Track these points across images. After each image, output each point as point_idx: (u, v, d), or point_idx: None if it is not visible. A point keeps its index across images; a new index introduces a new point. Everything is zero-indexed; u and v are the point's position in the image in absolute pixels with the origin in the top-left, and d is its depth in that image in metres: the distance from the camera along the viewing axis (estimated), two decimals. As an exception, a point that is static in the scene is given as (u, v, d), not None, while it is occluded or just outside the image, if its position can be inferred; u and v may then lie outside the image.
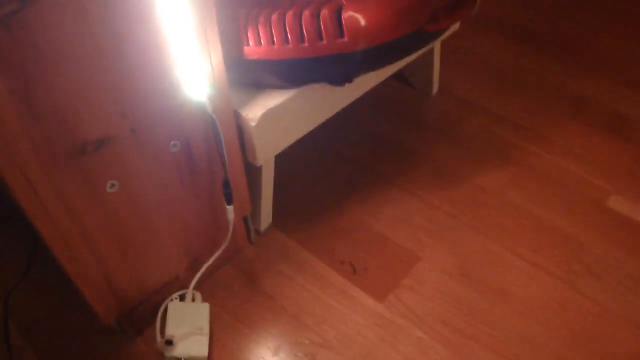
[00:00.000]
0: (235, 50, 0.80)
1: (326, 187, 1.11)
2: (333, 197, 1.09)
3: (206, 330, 0.87)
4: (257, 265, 0.99)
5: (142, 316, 0.90)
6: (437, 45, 1.18)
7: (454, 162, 1.15)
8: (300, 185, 1.11)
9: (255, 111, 0.82)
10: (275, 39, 0.77)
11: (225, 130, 0.80)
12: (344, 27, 0.75)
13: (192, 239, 0.89)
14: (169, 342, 0.84)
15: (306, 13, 0.74)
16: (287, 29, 0.76)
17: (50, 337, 0.91)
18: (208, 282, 0.96)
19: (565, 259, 0.99)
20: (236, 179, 0.88)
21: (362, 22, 0.76)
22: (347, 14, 0.75)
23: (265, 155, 0.89)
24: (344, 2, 0.74)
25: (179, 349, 0.85)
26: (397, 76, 1.31)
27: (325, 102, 0.93)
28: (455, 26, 1.11)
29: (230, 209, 0.85)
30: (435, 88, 1.28)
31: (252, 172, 0.94)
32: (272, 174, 0.97)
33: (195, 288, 0.92)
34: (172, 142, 0.76)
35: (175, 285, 0.92)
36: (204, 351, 0.85)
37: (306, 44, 0.77)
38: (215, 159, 0.83)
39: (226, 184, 0.83)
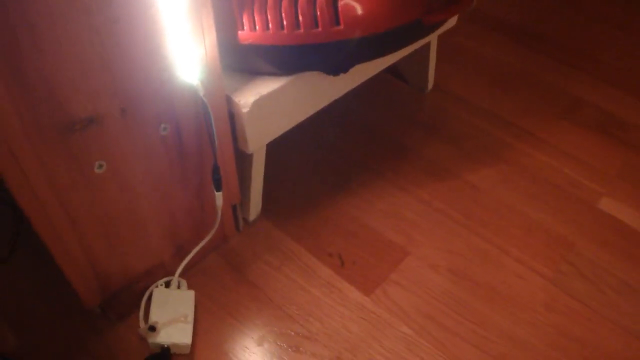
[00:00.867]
0: (229, 34, 0.78)
1: (317, 179, 1.10)
2: (323, 189, 1.08)
3: (190, 318, 0.86)
4: (244, 254, 0.98)
5: (125, 301, 0.89)
6: (433, 40, 1.17)
7: (446, 158, 1.14)
8: (290, 175, 1.10)
9: (247, 97, 0.81)
10: (270, 24, 0.76)
11: (216, 116, 0.79)
12: (340, 15, 0.75)
13: (180, 225, 0.88)
14: (152, 329, 0.83)
15: (303, -1, 0.74)
16: (283, 15, 0.75)
17: (31, 320, 0.90)
18: (194, 270, 0.95)
19: (554, 259, 0.99)
20: (226, 166, 0.87)
21: (359, 10, 0.75)
22: (344, 2, 0.74)
23: (257, 143, 0.88)
24: (342, -11, 0.73)
25: (162, 336, 0.84)
26: (392, 71, 1.31)
27: (319, 91, 0.92)
28: (453, 21, 1.11)
29: (219, 195, 0.84)
30: (430, 84, 1.27)
31: (243, 161, 0.93)
32: (263, 163, 0.96)
33: (181, 275, 0.91)
34: (162, 125, 0.75)
35: (161, 272, 0.91)
36: (187, 339, 0.84)
37: (301, 30, 0.76)
38: (205, 144, 0.82)
39: (216, 169, 0.82)
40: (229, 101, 0.81)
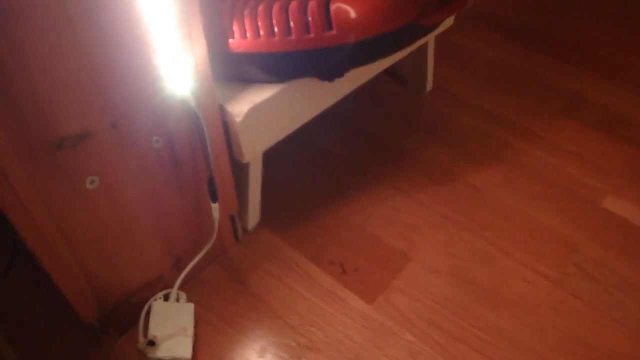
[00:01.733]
0: (219, 43, 0.77)
1: (315, 186, 1.09)
2: (322, 195, 1.07)
3: (190, 331, 0.85)
4: (243, 264, 0.96)
5: (124, 315, 0.88)
6: (431, 41, 1.16)
7: (446, 160, 1.13)
8: (289, 183, 1.09)
9: (240, 106, 0.80)
10: (261, 32, 0.75)
11: (210, 126, 0.78)
12: (333, 20, 0.73)
13: (176, 237, 0.87)
14: (151, 343, 0.82)
15: (293, 5, 0.72)
16: (274, 21, 0.74)
17: (30, 336, 0.89)
18: (193, 282, 0.94)
19: (559, 260, 0.97)
20: (222, 177, 0.86)
21: (352, 14, 0.74)
22: (335, 6, 0.72)
23: (252, 152, 0.86)
24: (333, -6, 0.72)
25: (161, 350, 0.83)
26: (390, 72, 1.29)
27: (314, 97, 0.90)
28: (449, 21, 1.09)
29: (215, 206, 0.83)
30: (429, 85, 1.26)
31: (240, 170, 0.92)
32: (260, 171, 0.95)
33: (180, 288, 0.90)
34: (154, 138, 0.74)
35: (160, 285, 0.90)
36: (187, 353, 0.83)
37: (293, 37, 0.74)
38: (199, 155, 0.80)
39: (211, 181, 0.81)
40: (222, 111, 0.80)
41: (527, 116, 1.21)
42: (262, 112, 0.82)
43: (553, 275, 0.95)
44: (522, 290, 0.93)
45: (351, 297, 0.92)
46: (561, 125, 1.19)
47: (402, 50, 0.97)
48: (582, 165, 1.11)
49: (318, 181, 1.09)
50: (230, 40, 0.77)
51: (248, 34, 0.75)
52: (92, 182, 0.71)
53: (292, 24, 0.73)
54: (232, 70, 0.81)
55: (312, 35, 0.74)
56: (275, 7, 0.73)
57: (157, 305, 0.88)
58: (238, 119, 0.79)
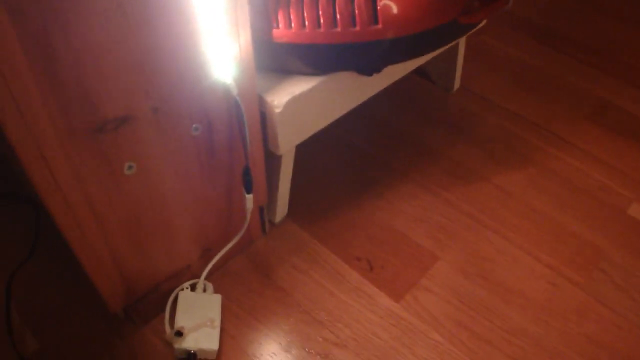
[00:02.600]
0: (263, 32, 0.76)
1: (343, 181, 1.08)
2: (350, 191, 1.06)
3: (217, 322, 0.84)
4: (270, 257, 0.95)
5: (150, 305, 0.87)
6: (462, 40, 1.15)
7: (473, 160, 1.12)
8: (316, 177, 1.08)
9: (280, 97, 0.78)
10: (306, 22, 0.74)
11: (249, 117, 0.77)
12: (379, 14, 0.72)
13: (207, 227, 0.86)
14: (179, 334, 0.81)
15: (342, -3, 0.71)
16: (320, 12, 0.73)
17: (53, 324, 0.88)
18: (219, 272, 0.93)
19: (585, 265, 0.96)
20: (256, 168, 0.85)
21: (398, 9, 0.73)
22: (383, 2, 0.71)
23: (288, 145, 0.85)
24: (382, -13, 0.71)
25: (188, 341, 0.82)
26: (418, 70, 1.28)
27: (351, 91, 0.89)
28: (483, 21, 1.08)
29: (249, 197, 0.82)
30: (457, 84, 1.25)
31: (271, 162, 0.90)
32: (292, 165, 0.94)
33: (206, 278, 0.89)
34: (194, 126, 0.73)
35: (187, 275, 0.89)
36: (214, 344, 0.82)
37: (339, 29, 0.73)
38: (236, 146, 0.79)
39: (247, 171, 0.80)
40: (261, 101, 0.79)
41: (554, 119, 1.20)
42: (300, 104, 0.81)
43: (579, 280, 0.94)
44: (549, 294, 0.92)
45: (378, 295, 0.91)
46: (588, 131, 1.19)
47: (439, 49, 0.96)
48: (608, 172, 1.11)
49: (345, 177, 1.08)
50: (275, 30, 0.76)
51: (293, 24, 0.74)
52: (130, 167, 0.70)
53: (338, 15, 0.73)
54: (271, 60, 0.80)
55: (357, 28, 0.73)
56: (323, -2, 0.72)
57: (184, 296, 0.86)
58: (277, 110, 0.78)
